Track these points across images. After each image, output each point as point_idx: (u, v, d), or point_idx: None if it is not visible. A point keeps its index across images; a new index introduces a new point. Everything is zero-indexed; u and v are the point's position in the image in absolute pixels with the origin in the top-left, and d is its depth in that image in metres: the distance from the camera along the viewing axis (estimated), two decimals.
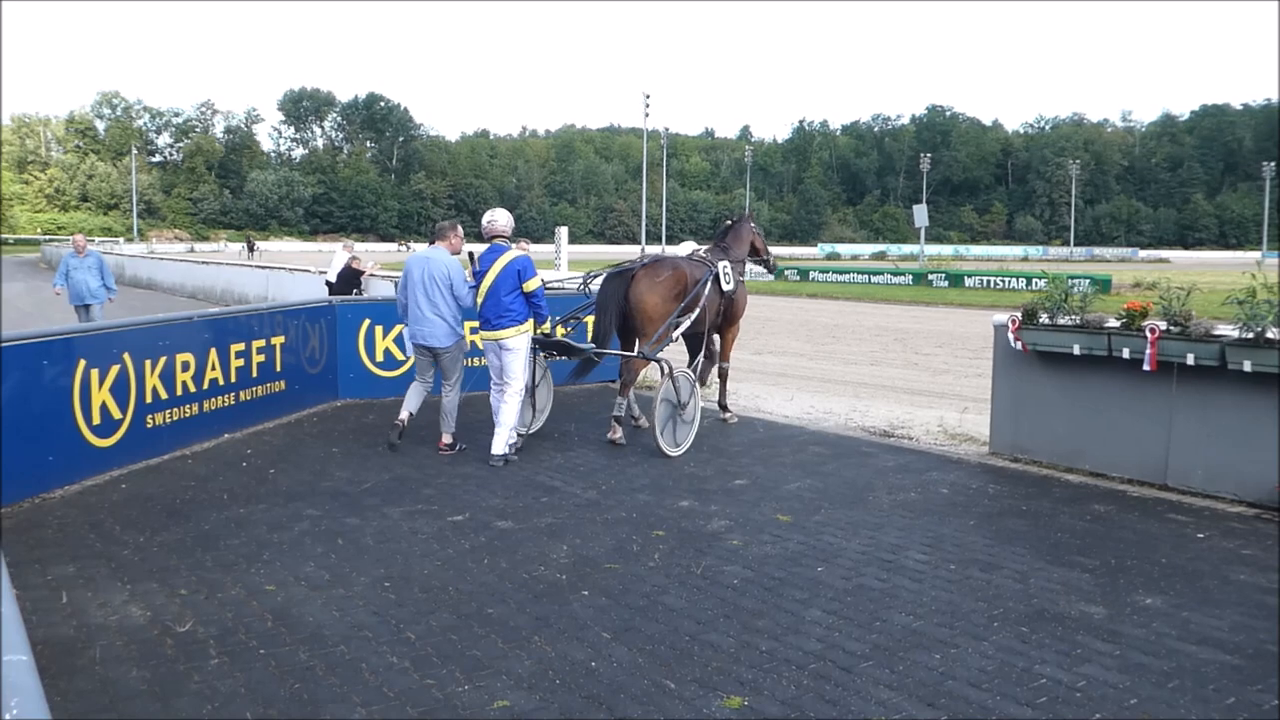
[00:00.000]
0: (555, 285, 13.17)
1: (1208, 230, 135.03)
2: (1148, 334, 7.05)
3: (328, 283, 16.59)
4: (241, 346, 8.76)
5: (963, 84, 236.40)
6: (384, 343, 10.55)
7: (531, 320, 7.97)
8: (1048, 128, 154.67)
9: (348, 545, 5.70)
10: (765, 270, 10.87)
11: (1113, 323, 7.45)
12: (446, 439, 8.23)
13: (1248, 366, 6.58)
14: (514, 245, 8.08)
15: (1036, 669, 4.12)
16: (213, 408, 8.38)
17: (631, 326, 8.75)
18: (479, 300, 7.92)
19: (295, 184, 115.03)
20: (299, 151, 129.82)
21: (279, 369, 9.33)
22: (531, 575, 5.22)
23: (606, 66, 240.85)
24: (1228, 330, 6.84)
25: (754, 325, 22.83)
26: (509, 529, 6.04)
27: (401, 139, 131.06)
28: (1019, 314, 7.96)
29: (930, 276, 41.51)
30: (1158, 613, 4.77)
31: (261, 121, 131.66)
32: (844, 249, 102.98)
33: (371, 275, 16.65)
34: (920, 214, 52.12)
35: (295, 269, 24.26)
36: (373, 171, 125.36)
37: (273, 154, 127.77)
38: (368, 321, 10.48)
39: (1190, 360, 6.87)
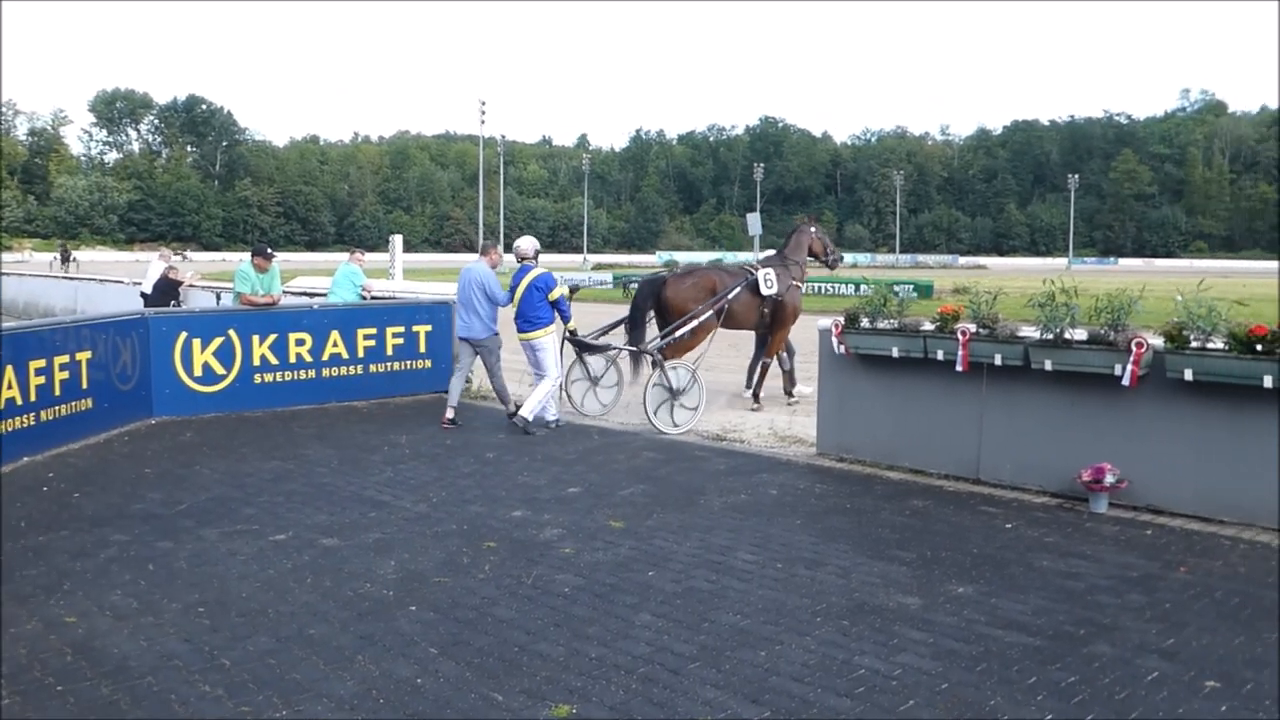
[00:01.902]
0: (385, 295, 12.92)
1: (1020, 238, 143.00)
2: (959, 336, 7.40)
3: (143, 294, 15.77)
4: (42, 363, 8.21)
5: (794, 96, 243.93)
6: (203, 356, 10.07)
7: (554, 323, 9.78)
8: (873, 140, 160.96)
9: (159, 570, 5.41)
10: (826, 268, 12.20)
11: (928, 326, 7.80)
12: (511, 408, 9.81)
13: (1049, 365, 6.99)
14: (533, 263, 9.89)
15: (856, 660, 4.25)
16: (9, 429, 7.81)
17: (667, 322, 10.47)
18: (514, 309, 9.80)
19: (109, 190, 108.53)
20: (112, 155, 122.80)
21: (85, 386, 8.78)
22: (357, 593, 5.07)
23: (441, 72, 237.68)
24: (1031, 332, 7.25)
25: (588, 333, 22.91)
26: (334, 546, 5.85)
27: (225, 143, 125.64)
28: (842, 318, 8.25)
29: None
30: (968, 600, 5.00)
31: (70, 123, 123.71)
32: (682, 257, 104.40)
33: (191, 286, 15.91)
34: (754, 222, 53.19)
35: (107, 280, 22.97)
36: (194, 177, 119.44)
37: (83, 158, 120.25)
38: (184, 335, 9.98)
39: (998, 361, 7.26)
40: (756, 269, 10.93)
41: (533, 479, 7.57)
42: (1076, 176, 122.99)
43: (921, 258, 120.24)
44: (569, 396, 10.58)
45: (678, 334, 10.33)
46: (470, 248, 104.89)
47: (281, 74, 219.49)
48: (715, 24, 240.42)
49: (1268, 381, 6.06)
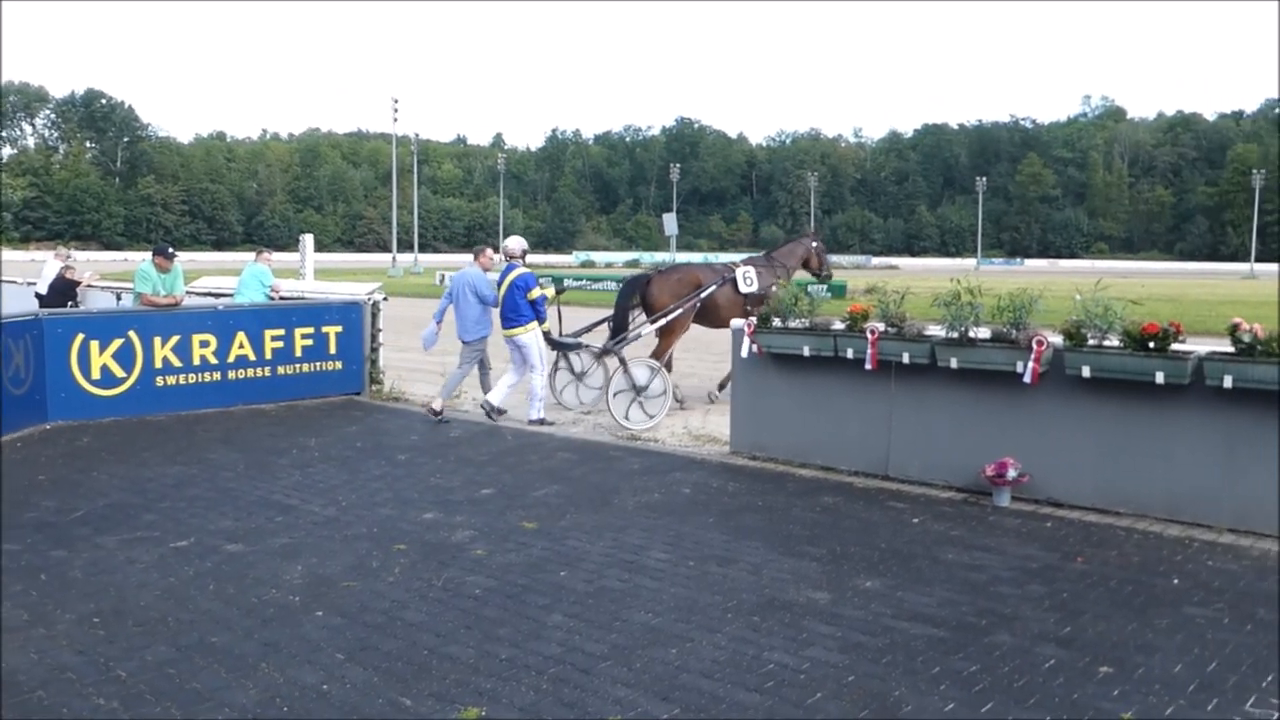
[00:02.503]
0: (294, 295, 12.66)
1: (931, 239, 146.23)
2: (868, 335, 7.53)
3: (38, 295, 15.21)
4: None
5: (709, 98, 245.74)
6: (101, 359, 9.74)
7: (535, 321, 10.16)
8: (788, 141, 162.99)
9: (52, 580, 5.21)
10: (818, 281, 12.84)
11: (838, 325, 7.92)
12: (492, 400, 10.34)
13: (954, 363, 7.15)
14: (518, 263, 10.33)
15: (765, 655, 4.30)
16: None
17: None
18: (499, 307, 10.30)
19: (3, 186, 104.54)
20: (6, 151, 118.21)
21: None
22: (261, 599, 4.96)
23: (353, 69, 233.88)
24: (937, 331, 7.42)
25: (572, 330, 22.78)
26: (239, 552, 5.71)
27: (126, 140, 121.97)
28: (754, 318, 8.34)
29: None
30: (876, 594, 5.09)
31: None
32: (598, 257, 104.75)
33: (89, 286, 15.38)
34: (670, 222, 53.63)
35: None
36: (94, 174, 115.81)
37: None
38: (81, 336, 9.64)
39: (906, 359, 7.40)
40: (738, 267, 11.41)
41: (445, 481, 7.49)
42: (984, 179, 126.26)
43: (835, 258, 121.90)
44: (551, 386, 11.03)
45: (653, 327, 10.80)
46: (383, 247, 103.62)
47: (187, 69, 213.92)
48: (631, 24, 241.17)
49: (1159, 377, 6.28)
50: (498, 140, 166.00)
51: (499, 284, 10.32)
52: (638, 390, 9.91)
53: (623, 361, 10.04)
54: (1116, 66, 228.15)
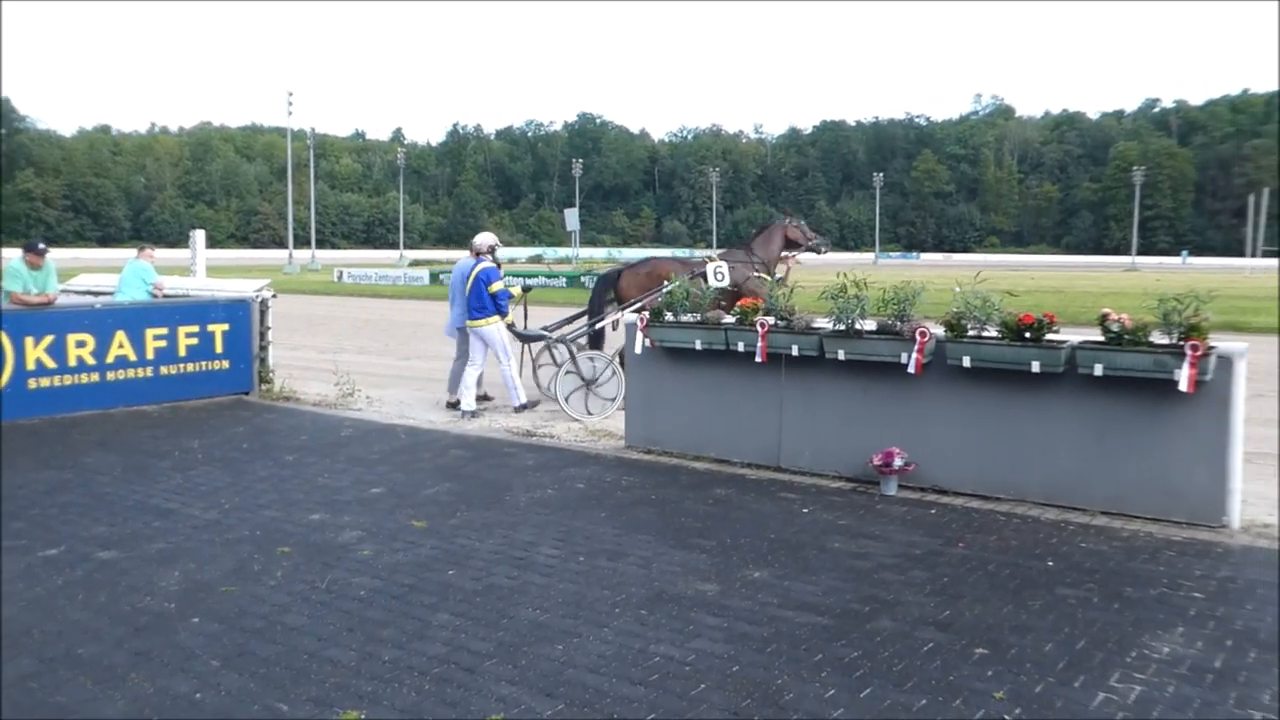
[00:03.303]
0: (178, 293, 12.28)
1: (830, 233, 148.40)
2: (759, 328, 7.62)
3: None
4: None
5: (611, 93, 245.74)
6: None
7: (499, 314, 10.42)
8: (690, 137, 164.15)
9: None
10: (814, 253, 12.43)
11: (729, 319, 8.00)
12: (451, 399, 10.79)
13: (842, 355, 7.28)
14: (485, 258, 10.62)
15: (652, 648, 4.31)
16: None
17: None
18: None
19: None
20: None
21: None
22: (135, 607, 4.78)
23: (246, 61, 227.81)
24: (824, 323, 7.54)
25: (404, 330, 22.51)
26: (113, 559, 5.51)
27: (4, 132, 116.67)
28: (648, 312, 8.36)
29: (583, 278, 42.70)
30: (763, 584, 5.14)
31: None
32: (501, 253, 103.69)
33: None
34: (571, 218, 53.55)
35: None
36: None
37: None
38: None
39: (795, 351, 7.50)
40: (710, 261, 11.45)
41: (334, 481, 7.34)
42: (881, 175, 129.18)
43: (686, 253, 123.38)
44: (537, 378, 11.31)
45: (607, 321, 11.03)
46: (280, 244, 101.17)
47: (66, 61, 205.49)
48: (533, 20, 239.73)
49: (1035, 366, 6.49)
50: (397, 135, 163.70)
51: (466, 277, 10.60)
52: (588, 382, 10.06)
53: (572, 351, 10.31)
54: (1005, 66, 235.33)
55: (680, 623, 4.61)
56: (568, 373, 10.24)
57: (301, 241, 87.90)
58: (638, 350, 8.36)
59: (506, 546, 5.77)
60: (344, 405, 10.81)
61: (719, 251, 11.94)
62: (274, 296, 11.92)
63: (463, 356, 10.85)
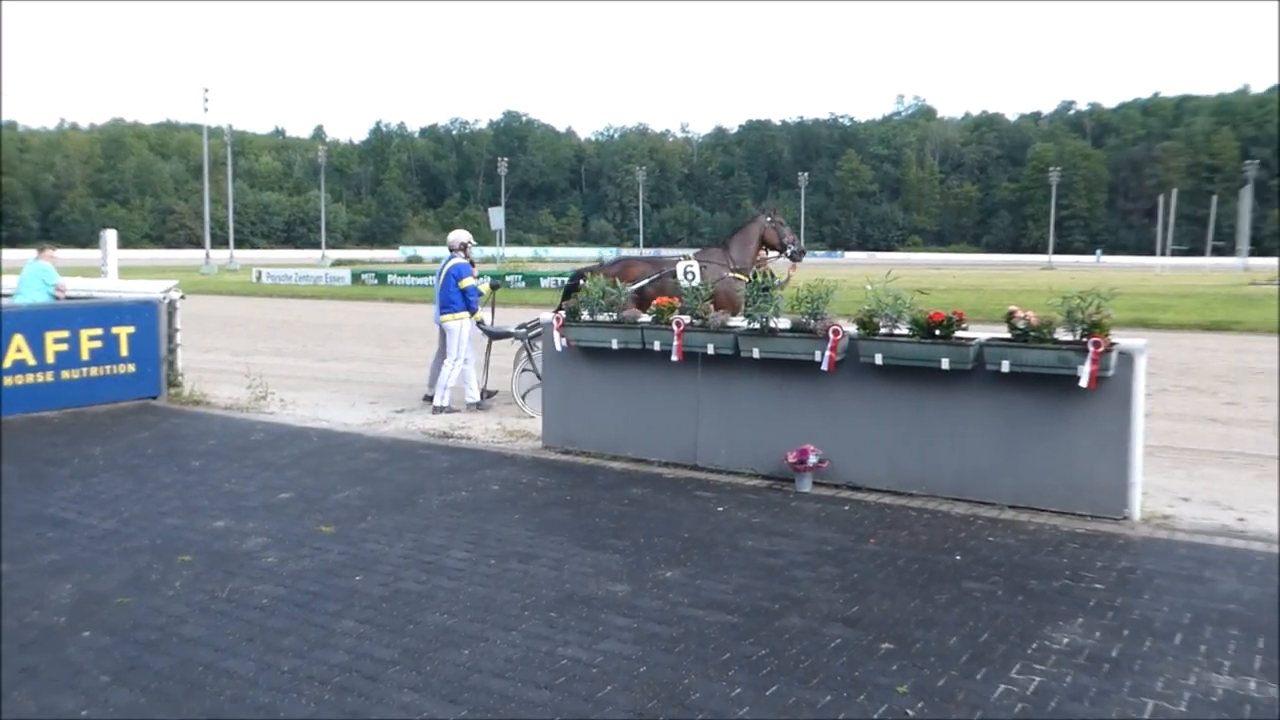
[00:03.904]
0: (81, 295, 11.90)
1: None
2: (674, 327, 7.61)
3: None
4: None
5: (537, 91, 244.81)
6: None
7: (468, 311, 10.71)
8: (616, 136, 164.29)
9: None
10: (790, 260, 11.61)
11: (645, 318, 7.98)
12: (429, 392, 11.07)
13: (756, 353, 7.30)
14: (457, 254, 10.95)
15: (560, 651, 4.26)
16: None
17: None
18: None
19: None
20: None
21: None
22: (22, 622, 4.59)
23: (161, 56, 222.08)
24: (739, 322, 7.56)
25: (320, 332, 22.13)
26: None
27: None
28: (563, 312, 8.31)
29: (508, 278, 42.52)
30: (675, 584, 5.13)
31: None
32: (426, 252, 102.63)
33: None
34: (496, 216, 53.25)
35: None
36: None
37: None
38: None
39: (710, 350, 7.51)
40: (682, 260, 11.24)
41: (240, 486, 7.15)
42: (806, 174, 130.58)
43: (665, 252, 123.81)
44: (514, 383, 10.93)
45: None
46: (196, 244, 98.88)
47: None
48: (457, 17, 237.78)
49: (945, 363, 6.57)
50: (319, 132, 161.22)
51: (439, 273, 10.96)
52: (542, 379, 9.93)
53: (529, 351, 10.41)
54: (927, 68, 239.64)
55: (590, 624, 4.57)
56: (524, 370, 10.38)
57: (219, 241, 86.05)
58: (555, 350, 8.30)
59: (416, 550, 5.67)
60: (256, 409, 10.57)
61: (694, 251, 11.74)
62: (183, 298, 11.61)
63: (442, 351, 10.98)
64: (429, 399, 10.90)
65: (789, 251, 11.51)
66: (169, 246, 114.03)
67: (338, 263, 72.61)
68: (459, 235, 11.21)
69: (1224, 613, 4.72)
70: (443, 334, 10.92)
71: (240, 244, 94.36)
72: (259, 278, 51.04)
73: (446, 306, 10.78)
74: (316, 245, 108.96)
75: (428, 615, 4.68)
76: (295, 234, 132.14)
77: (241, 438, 8.98)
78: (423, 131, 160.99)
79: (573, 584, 5.13)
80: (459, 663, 4.14)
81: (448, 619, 4.64)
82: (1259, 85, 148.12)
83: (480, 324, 11.04)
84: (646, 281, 10.94)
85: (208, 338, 19.30)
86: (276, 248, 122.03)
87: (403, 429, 9.61)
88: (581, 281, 10.82)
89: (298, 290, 42.88)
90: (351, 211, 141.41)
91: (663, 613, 4.72)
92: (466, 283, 10.70)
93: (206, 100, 71.36)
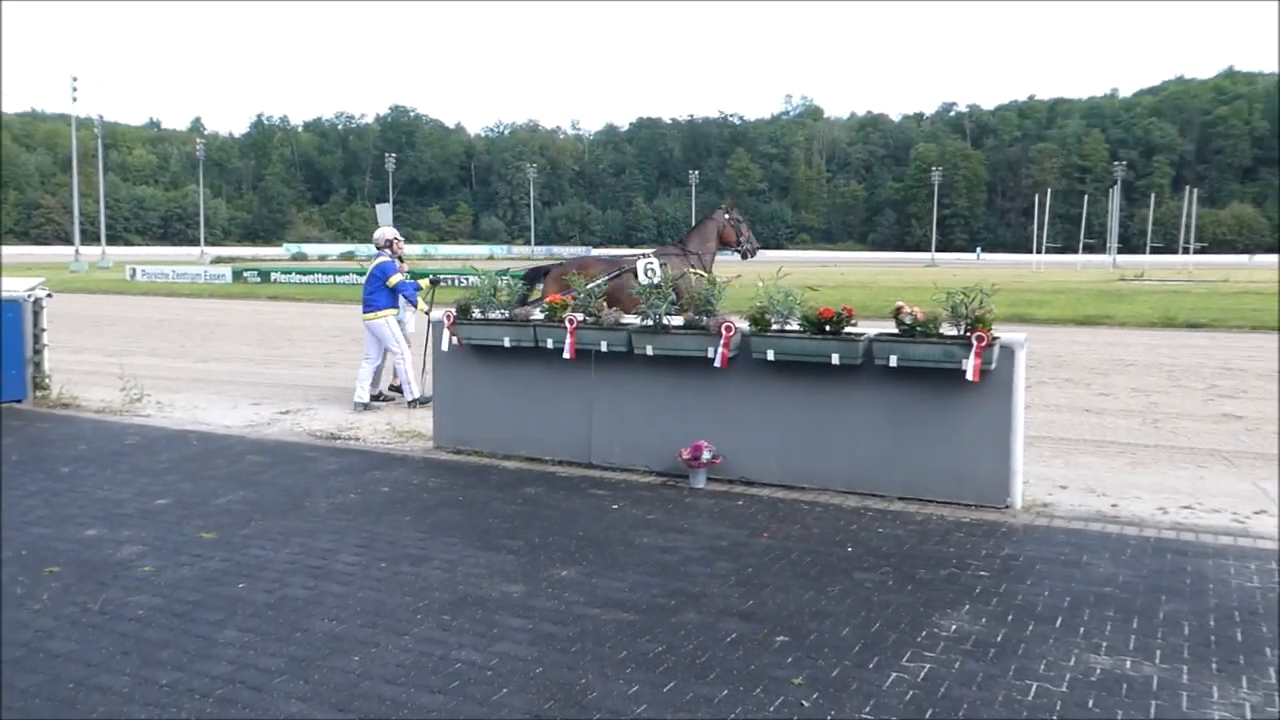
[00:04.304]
0: None
1: (648, 230, 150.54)
2: (567, 325, 7.56)
3: None
4: None
5: (425, 86, 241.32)
6: None
7: (393, 309, 10.64)
8: (507, 133, 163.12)
9: None
10: (740, 257, 11.66)
11: (537, 315, 7.90)
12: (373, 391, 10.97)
13: (650, 350, 7.30)
14: (384, 252, 10.79)
15: (454, 654, 4.17)
16: None
17: None
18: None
19: None
20: None
21: None
22: None
23: (23, 43, 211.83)
24: (632, 319, 7.55)
25: (200, 331, 21.40)
26: None
27: None
28: (453, 309, 8.17)
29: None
30: (570, 583, 5.08)
31: None
32: (311, 249, 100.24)
33: None
34: (383, 213, 52.16)
35: None
36: None
37: None
38: None
39: (604, 347, 7.48)
40: (642, 258, 11.02)
41: (114, 493, 6.83)
42: (697, 173, 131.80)
43: (557, 249, 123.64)
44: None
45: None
46: (65, 239, 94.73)
47: None
48: (342, 7, 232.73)
49: (835, 359, 6.67)
50: (196, 125, 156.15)
51: (367, 272, 10.91)
52: None
53: None
54: (814, 68, 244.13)
55: (484, 626, 4.49)
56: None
57: (90, 238, 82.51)
58: (444, 349, 8.15)
59: (303, 556, 5.50)
60: (130, 411, 10.14)
61: (653, 249, 11.55)
62: (49, 296, 11.05)
63: (367, 354, 10.89)
64: (377, 399, 10.88)
65: (742, 248, 11.54)
66: (36, 242, 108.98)
67: (218, 260, 70.31)
68: (384, 232, 10.98)
69: (1100, 595, 4.90)
70: (370, 334, 10.75)
71: (113, 240, 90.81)
72: (134, 275, 49.06)
73: (368, 306, 10.64)
74: (195, 242, 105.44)
75: (315, 622, 4.53)
76: (172, 230, 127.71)
77: (115, 442, 8.59)
78: (307, 125, 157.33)
79: (466, 586, 5.04)
80: (349, 670, 4.02)
81: (336, 625, 4.50)
82: (1126, 89, 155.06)
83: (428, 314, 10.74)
84: (605, 280, 10.62)
85: (78, 338, 18.48)
86: (153, 244, 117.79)
87: (287, 430, 9.32)
88: (537, 284, 10.76)
89: (175, 288, 41.36)
90: (232, 207, 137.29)
91: (558, 612, 4.67)
92: (395, 279, 10.50)
93: (75, 89, 68.28)
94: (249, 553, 5.54)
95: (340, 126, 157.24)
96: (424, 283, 11.06)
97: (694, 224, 11.82)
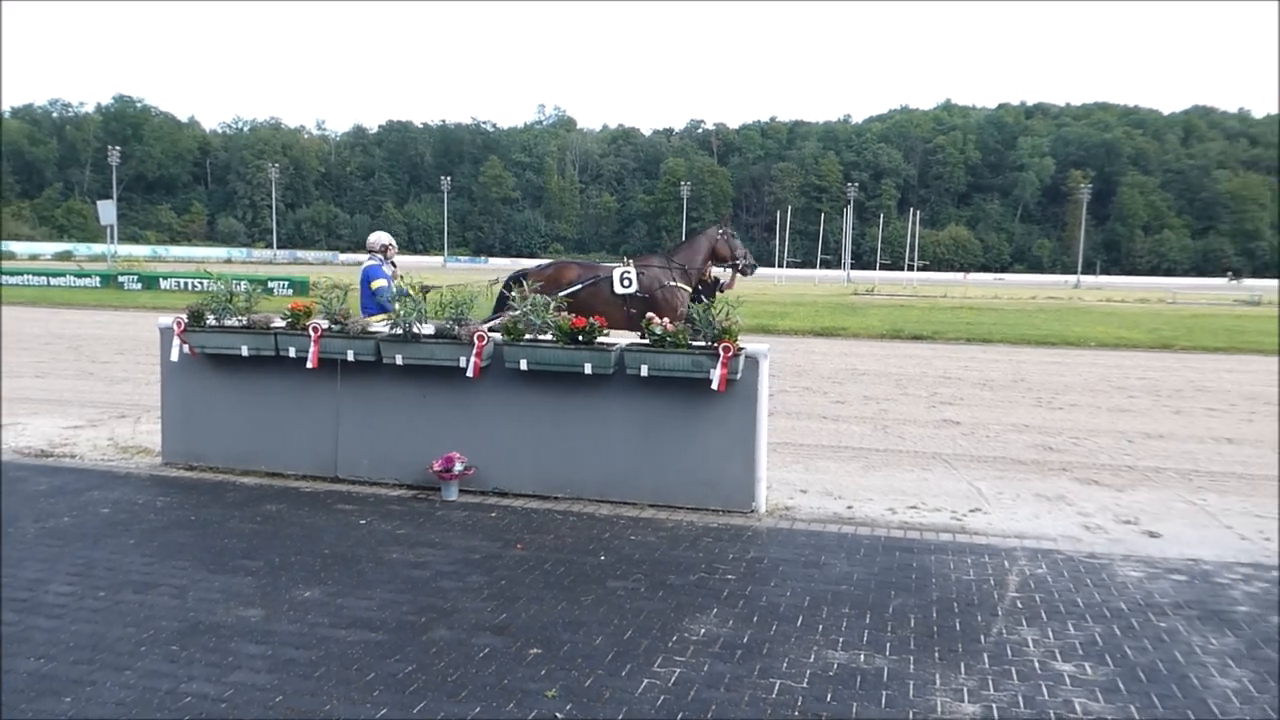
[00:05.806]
0: None
1: (399, 235, 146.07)
2: (311, 333, 7.23)
3: None
4: None
5: (153, 76, 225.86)
6: None
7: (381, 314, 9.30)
8: (246, 129, 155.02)
9: None
10: (738, 273, 11.38)
11: (279, 322, 7.52)
12: None
13: (400, 360, 7.10)
14: (375, 256, 9.80)
15: (183, 688, 3.87)
16: None
17: None
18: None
19: None
20: None
21: None
22: None
23: None
24: (381, 327, 7.32)
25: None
26: None
27: None
28: (185, 316, 7.64)
29: (121, 278, 38.88)
30: (314, 604, 4.84)
31: None
32: (21, 248, 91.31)
33: None
34: (106, 210, 48.47)
35: None
36: None
37: None
38: None
39: (350, 356, 7.21)
40: (619, 267, 10.69)
41: None
42: (449, 179, 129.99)
43: (300, 254, 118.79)
44: None
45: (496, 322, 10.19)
46: None
47: None
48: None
49: (588, 368, 6.72)
50: None
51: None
52: None
53: None
54: (567, 80, 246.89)
55: (218, 655, 4.20)
56: None
57: None
58: (174, 359, 7.60)
59: (6, 588, 4.95)
60: None
61: (635, 259, 11.22)
62: None
63: None
64: None
65: (738, 265, 11.32)
66: None
67: None
68: (378, 237, 10.23)
69: (837, 594, 5.17)
70: None
71: None
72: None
73: (362, 311, 9.78)
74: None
75: (20, 661, 4.09)
76: None
77: None
78: (15, 112, 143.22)
79: (198, 612, 4.69)
80: (58, 713, 3.64)
81: (44, 664, 4.07)
82: (858, 115, 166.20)
83: None
84: (580, 286, 10.53)
85: None
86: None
87: None
88: (509, 293, 10.17)
89: None
90: None
91: (300, 636, 4.43)
92: (376, 284, 9.82)
93: None
94: None
95: (55, 115, 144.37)
96: (414, 289, 10.37)
97: (681, 242, 11.77)
